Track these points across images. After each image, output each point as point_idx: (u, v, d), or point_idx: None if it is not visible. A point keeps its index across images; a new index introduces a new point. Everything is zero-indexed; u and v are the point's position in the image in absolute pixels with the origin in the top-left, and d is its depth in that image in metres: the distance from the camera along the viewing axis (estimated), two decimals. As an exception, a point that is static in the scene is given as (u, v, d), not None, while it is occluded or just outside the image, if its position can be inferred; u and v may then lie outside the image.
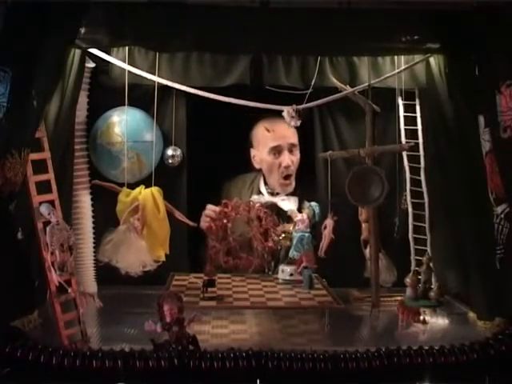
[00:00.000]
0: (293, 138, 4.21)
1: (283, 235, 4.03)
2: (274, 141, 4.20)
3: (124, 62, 3.59)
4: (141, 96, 3.87)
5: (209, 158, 4.29)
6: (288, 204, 4.20)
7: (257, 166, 4.35)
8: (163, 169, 3.97)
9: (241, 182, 4.44)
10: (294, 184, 4.27)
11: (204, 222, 4.03)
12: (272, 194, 4.28)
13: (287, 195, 4.26)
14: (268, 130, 4.20)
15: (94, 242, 3.79)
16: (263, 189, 4.32)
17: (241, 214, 3.96)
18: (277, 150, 4.20)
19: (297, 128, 3.62)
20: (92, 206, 3.84)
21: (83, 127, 3.84)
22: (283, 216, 4.17)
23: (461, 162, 3.37)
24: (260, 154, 4.29)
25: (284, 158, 4.19)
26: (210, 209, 4.05)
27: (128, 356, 2.42)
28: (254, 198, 4.24)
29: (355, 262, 3.73)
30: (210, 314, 3.31)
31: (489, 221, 3.09)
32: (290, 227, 3.99)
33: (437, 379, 2.49)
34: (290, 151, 4.21)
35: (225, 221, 3.95)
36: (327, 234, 3.64)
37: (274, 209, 4.19)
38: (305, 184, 4.30)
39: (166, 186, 3.68)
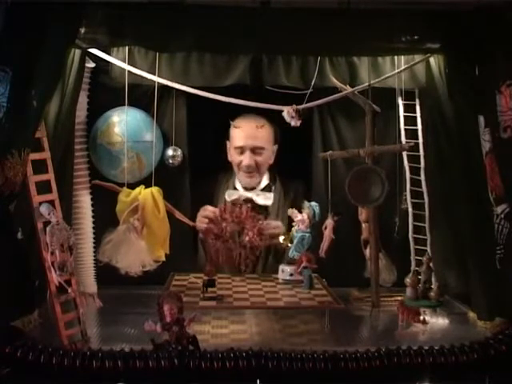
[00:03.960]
0: (257, 140, 4.20)
1: (283, 237, 4.04)
2: (238, 140, 4.22)
3: (124, 62, 3.59)
4: (141, 96, 3.87)
5: (209, 157, 4.29)
6: (263, 199, 4.24)
7: (229, 158, 4.36)
8: (163, 169, 3.97)
9: (219, 179, 4.44)
10: (260, 179, 4.28)
11: (202, 223, 4.01)
12: (246, 188, 4.29)
13: (262, 190, 4.28)
14: (235, 127, 4.22)
15: (94, 242, 3.79)
16: (238, 184, 4.33)
17: (235, 217, 3.95)
18: (240, 150, 4.23)
19: (295, 127, 3.61)
20: (92, 205, 3.84)
21: (83, 127, 3.83)
22: (260, 210, 4.18)
23: (461, 161, 3.37)
24: (230, 149, 4.32)
25: (245, 158, 4.21)
26: (209, 210, 4.05)
27: (128, 356, 2.42)
28: (230, 192, 4.26)
29: (355, 262, 3.73)
30: (210, 314, 3.31)
31: (489, 221, 3.09)
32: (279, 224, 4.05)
33: (437, 379, 2.50)
34: (253, 152, 4.20)
35: (224, 224, 3.95)
36: (327, 234, 3.64)
37: (249, 203, 4.20)
38: (284, 181, 4.34)
39: (166, 186, 3.69)
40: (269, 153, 4.27)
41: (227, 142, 4.34)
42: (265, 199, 4.25)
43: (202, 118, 4.18)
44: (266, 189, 4.30)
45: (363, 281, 3.63)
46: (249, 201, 4.21)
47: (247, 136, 4.20)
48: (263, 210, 4.22)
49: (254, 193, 4.27)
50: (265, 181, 4.33)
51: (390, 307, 3.49)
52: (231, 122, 4.21)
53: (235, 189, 4.31)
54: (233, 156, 4.28)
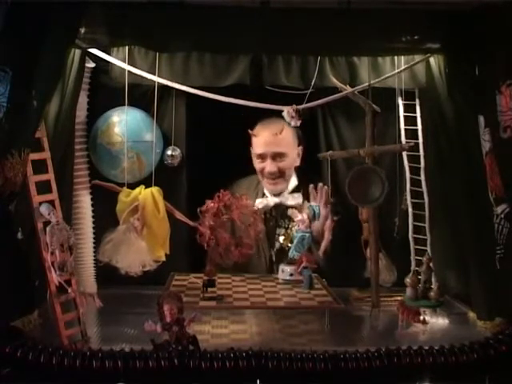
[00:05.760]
0: (278, 146, 4.14)
1: (283, 237, 4.04)
2: (258, 147, 4.20)
3: (124, 62, 3.59)
4: (141, 96, 3.87)
5: (208, 157, 4.29)
6: (292, 200, 4.20)
7: (254, 165, 4.35)
8: (163, 169, 3.97)
9: (245, 186, 4.42)
10: (285, 185, 4.24)
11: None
12: (275, 194, 4.28)
13: (290, 193, 4.25)
14: (254, 135, 4.20)
15: (94, 242, 3.79)
16: (266, 191, 4.32)
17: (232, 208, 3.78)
18: (261, 157, 4.21)
19: (299, 128, 3.61)
20: (92, 205, 3.84)
21: (83, 127, 3.84)
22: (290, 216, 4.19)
23: (461, 161, 3.37)
24: (253, 156, 4.31)
25: (267, 165, 4.18)
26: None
27: (128, 356, 2.42)
28: (259, 201, 4.23)
29: (355, 262, 3.73)
30: (210, 314, 3.32)
31: (489, 221, 3.09)
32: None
33: (437, 379, 2.50)
34: (274, 159, 4.16)
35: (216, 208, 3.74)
36: (326, 234, 3.64)
37: (279, 208, 4.22)
38: (309, 181, 4.30)
39: (166, 186, 3.68)
40: (292, 156, 4.21)
41: (251, 149, 4.32)
42: (293, 199, 4.21)
43: (201, 118, 4.18)
44: (295, 190, 4.26)
45: (363, 281, 3.63)
46: (278, 205, 4.23)
47: (266, 143, 4.16)
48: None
49: (283, 197, 4.24)
50: (293, 183, 4.28)
51: (390, 307, 3.49)
52: (250, 132, 4.19)
53: (264, 195, 4.30)
54: (256, 163, 4.26)
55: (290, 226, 4.16)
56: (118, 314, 3.38)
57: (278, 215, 4.24)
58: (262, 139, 4.18)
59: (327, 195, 3.75)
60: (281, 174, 4.19)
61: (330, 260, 3.81)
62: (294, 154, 4.24)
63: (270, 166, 4.17)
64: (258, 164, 4.24)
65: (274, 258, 4.21)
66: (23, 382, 2.43)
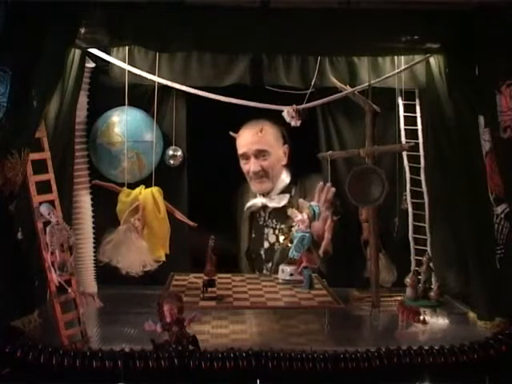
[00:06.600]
0: (259, 144, 4.16)
1: (283, 237, 4.05)
2: (240, 148, 4.23)
3: (124, 62, 3.59)
4: (141, 96, 3.88)
5: (209, 158, 4.29)
6: (276, 202, 4.22)
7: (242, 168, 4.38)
8: (163, 169, 3.97)
9: (243, 188, 4.44)
10: (270, 184, 4.24)
11: None
12: (264, 195, 4.29)
13: (278, 194, 4.26)
14: (235, 136, 4.23)
15: (94, 242, 3.79)
16: (254, 191, 4.34)
17: None
18: (244, 157, 4.23)
19: (297, 128, 3.60)
20: (92, 205, 3.84)
21: (83, 127, 3.84)
22: (277, 216, 4.21)
23: (461, 162, 3.37)
24: (239, 158, 4.31)
25: (250, 165, 4.20)
26: None
27: (128, 356, 2.42)
28: (254, 201, 4.28)
29: (355, 262, 3.73)
30: (210, 314, 3.32)
31: (489, 221, 3.09)
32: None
33: (437, 379, 2.50)
34: (257, 157, 4.17)
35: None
36: (326, 234, 3.64)
37: (268, 209, 4.26)
38: (301, 181, 4.31)
39: (167, 186, 3.68)
40: (276, 155, 4.23)
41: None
42: (278, 201, 4.22)
43: (202, 118, 4.17)
44: (285, 191, 4.27)
45: (363, 281, 3.63)
46: (266, 206, 4.26)
47: (248, 142, 4.19)
48: (278, 214, 4.22)
49: (269, 198, 4.26)
50: (283, 182, 4.28)
51: (390, 307, 3.49)
52: (232, 134, 4.22)
53: (256, 197, 4.31)
54: (242, 166, 4.27)
55: (278, 227, 4.20)
56: (118, 314, 3.38)
57: (266, 215, 4.27)
58: (244, 139, 4.21)
59: (332, 196, 3.75)
60: (265, 173, 4.20)
61: (330, 260, 3.81)
62: (277, 153, 4.24)
63: (253, 165, 4.18)
64: (243, 166, 4.26)
65: (263, 257, 4.25)
66: (23, 382, 2.43)
